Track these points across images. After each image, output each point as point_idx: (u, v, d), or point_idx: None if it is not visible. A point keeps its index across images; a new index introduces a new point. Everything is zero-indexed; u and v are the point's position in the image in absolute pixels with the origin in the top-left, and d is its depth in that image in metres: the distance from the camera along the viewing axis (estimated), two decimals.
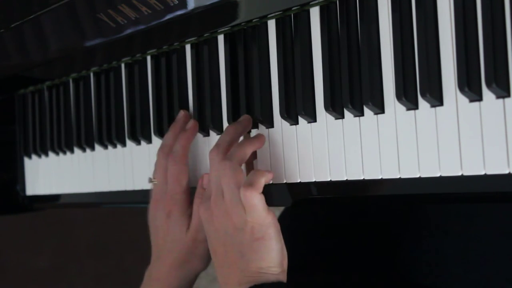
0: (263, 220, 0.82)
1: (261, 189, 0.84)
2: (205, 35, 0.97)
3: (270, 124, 0.90)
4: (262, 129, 0.90)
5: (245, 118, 0.91)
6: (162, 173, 0.97)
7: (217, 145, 0.88)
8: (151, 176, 0.99)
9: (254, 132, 0.92)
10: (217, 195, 0.86)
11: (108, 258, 2.01)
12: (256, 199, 0.82)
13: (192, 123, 0.97)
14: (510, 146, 0.68)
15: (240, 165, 0.86)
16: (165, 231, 0.96)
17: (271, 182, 0.88)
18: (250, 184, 0.83)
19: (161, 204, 0.96)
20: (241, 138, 0.91)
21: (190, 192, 0.97)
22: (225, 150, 0.87)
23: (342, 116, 0.82)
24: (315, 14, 0.85)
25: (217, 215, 0.86)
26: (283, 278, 0.83)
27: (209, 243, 0.88)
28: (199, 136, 0.99)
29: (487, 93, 0.70)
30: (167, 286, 0.96)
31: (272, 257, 0.82)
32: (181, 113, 0.99)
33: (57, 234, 1.96)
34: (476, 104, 0.71)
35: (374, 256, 1.04)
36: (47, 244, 1.95)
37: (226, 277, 0.85)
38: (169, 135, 0.98)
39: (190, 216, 0.95)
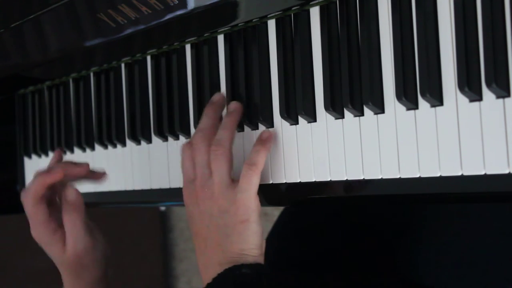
0: (251, 202, 0.84)
1: (261, 170, 0.86)
2: (205, 35, 0.97)
3: (270, 124, 0.90)
4: (262, 129, 0.90)
5: (220, 96, 0.93)
6: None
7: (201, 129, 0.89)
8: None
9: (255, 134, 0.92)
10: (203, 178, 0.87)
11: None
12: (255, 178, 0.85)
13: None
14: (510, 146, 0.68)
15: (230, 148, 0.87)
16: (50, 254, 1.00)
17: (271, 182, 0.88)
18: (254, 164, 0.86)
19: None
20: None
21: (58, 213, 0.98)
22: (209, 135, 0.88)
23: (342, 116, 0.82)
24: (315, 14, 0.85)
25: (202, 198, 0.87)
26: (261, 260, 0.85)
27: (192, 226, 0.89)
28: None
29: (487, 93, 0.69)
30: None
31: (254, 239, 0.85)
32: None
33: None
34: (476, 104, 0.71)
35: (374, 256, 1.04)
36: None
37: (207, 258, 0.87)
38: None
39: (60, 235, 0.98)
